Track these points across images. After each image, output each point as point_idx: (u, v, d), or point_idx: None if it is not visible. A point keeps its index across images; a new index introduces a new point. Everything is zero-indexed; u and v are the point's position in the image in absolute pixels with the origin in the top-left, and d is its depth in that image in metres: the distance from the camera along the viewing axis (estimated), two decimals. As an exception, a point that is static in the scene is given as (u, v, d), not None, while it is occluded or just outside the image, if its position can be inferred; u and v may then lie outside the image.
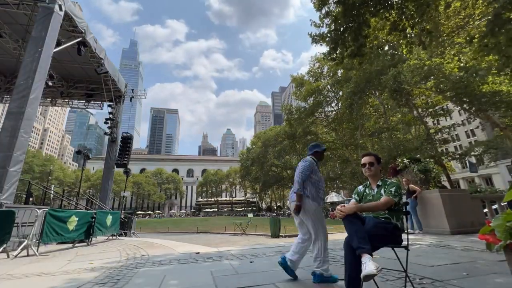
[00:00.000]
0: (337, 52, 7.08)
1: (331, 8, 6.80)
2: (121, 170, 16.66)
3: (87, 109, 18.01)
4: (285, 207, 64.37)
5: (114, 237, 9.48)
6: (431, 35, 6.91)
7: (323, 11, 6.84)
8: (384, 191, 2.27)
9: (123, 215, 12.96)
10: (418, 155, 9.03)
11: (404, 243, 2.18)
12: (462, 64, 15.61)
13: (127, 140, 15.69)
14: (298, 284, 2.74)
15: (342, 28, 6.64)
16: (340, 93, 30.00)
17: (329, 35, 6.93)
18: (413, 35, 6.91)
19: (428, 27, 6.91)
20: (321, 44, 7.20)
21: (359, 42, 6.59)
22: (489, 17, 6.22)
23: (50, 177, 59.66)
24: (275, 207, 67.06)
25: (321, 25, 7.02)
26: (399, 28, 6.48)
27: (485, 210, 8.43)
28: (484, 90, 16.34)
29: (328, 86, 31.33)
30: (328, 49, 7.17)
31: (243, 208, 74.11)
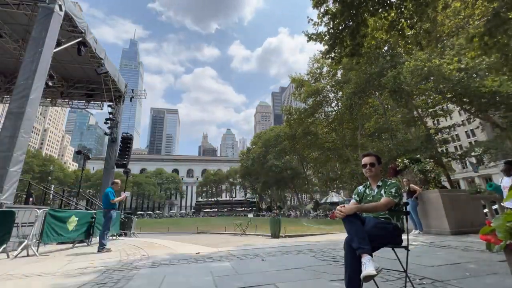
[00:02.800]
0: (335, 51, 7.06)
1: (329, 6, 6.77)
2: (121, 170, 16.65)
3: (87, 109, 17.99)
4: (285, 207, 64.41)
5: (114, 237, 9.48)
6: (430, 35, 6.90)
7: (322, 10, 6.81)
8: (385, 192, 2.27)
9: (123, 215, 12.96)
10: (418, 155, 9.03)
11: (404, 243, 2.18)
12: (462, 66, 15.61)
13: (127, 140, 15.68)
14: (298, 284, 2.74)
15: (340, 27, 6.62)
16: (340, 93, 30.00)
17: (327, 33, 6.91)
18: (411, 34, 6.90)
19: (426, 26, 6.91)
20: (320, 42, 7.17)
21: (357, 42, 6.58)
22: (488, 17, 6.23)
23: (50, 177, 59.66)
24: (275, 207, 67.09)
25: (319, 23, 6.99)
26: (397, 27, 6.48)
27: (485, 210, 8.42)
28: (483, 91, 16.34)
29: (328, 86, 31.33)
30: (326, 48, 7.14)
31: (243, 208, 74.06)
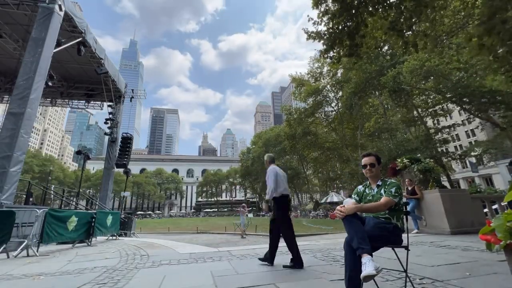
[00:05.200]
0: (334, 51, 7.06)
1: (329, 5, 6.77)
2: (121, 170, 16.65)
3: (87, 109, 17.98)
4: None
5: (114, 237, 9.48)
6: (427, 37, 6.90)
7: (322, 9, 6.80)
8: (384, 192, 2.27)
9: (123, 215, 12.95)
10: (418, 155, 9.03)
11: (404, 243, 2.18)
12: (462, 65, 15.60)
13: (127, 140, 15.68)
14: (298, 284, 2.74)
15: (340, 27, 6.62)
16: (340, 93, 30.00)
17: (326, 33, 6.90)
18: (409, 34, 6.91)
19: (423, 27, 6.90)
20: (318, 41, 7.16)
21: (356, 42, 6.58)
22: (485, 18, 6.20)
23: (50, 177, 59.62)
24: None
25: (319, 23, 6.98)
26: (397, 28, 6.47)
27: (485, 210, 8.42)
28: (483, 90, 16.34)
29: (328, 86, 31.34)
30: (325, 48, 7.13)
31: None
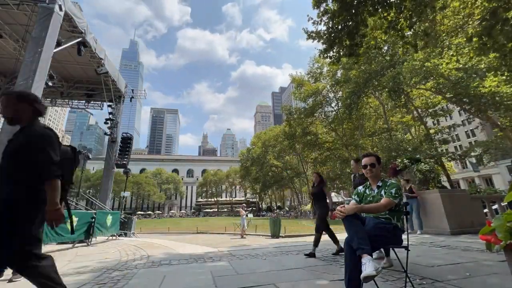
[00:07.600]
0: (334, 51, 7.06)
1: (329, 5, 6.76)
2: (121, 170, 16.64)
3: (87, 109, 17.97)
4: (285, 207, 64.39)
5: (114, 238, 9.48)
6: (428, 37, 6.90)
7: (321, 8, 6.80)
8: (385, 193, 2.27)
9: (123, 216, 12.95)
10: (418, 155, 9.04)
11: (404, 243, 2.18)
12: (461, 66, 15.61)
13: (127, 140, 15.68)
14: (298, 284, 2.74)
15: (339, 27, 6.62)
16: (340, 93, 29.99)
17: (326, 32, 6.90)
18: (409, 34, 6.91)
19: (424, 27, 6.91)
20: (318, 41, 7.15)
21: (356, 41, 6.58)
22: (486, 16, 6.20)
23: (50, 177, 59.43)
24: (275, 208, 67.06)
25: (319, 22, 6.98)
26: (397, 28, 6.47)
27: (485, 210, 8.43)
28: (483, 91, 16.34)
29: (328, 86, 31.35)
30: (325, 47, 7.12)
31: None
